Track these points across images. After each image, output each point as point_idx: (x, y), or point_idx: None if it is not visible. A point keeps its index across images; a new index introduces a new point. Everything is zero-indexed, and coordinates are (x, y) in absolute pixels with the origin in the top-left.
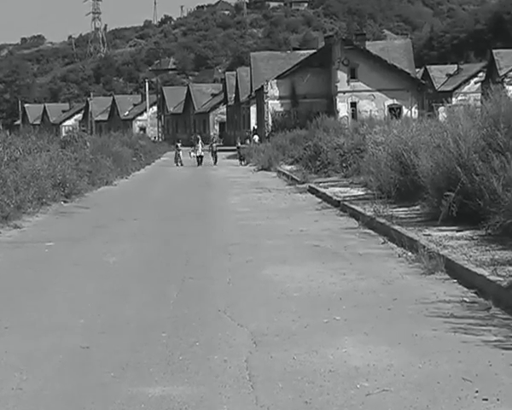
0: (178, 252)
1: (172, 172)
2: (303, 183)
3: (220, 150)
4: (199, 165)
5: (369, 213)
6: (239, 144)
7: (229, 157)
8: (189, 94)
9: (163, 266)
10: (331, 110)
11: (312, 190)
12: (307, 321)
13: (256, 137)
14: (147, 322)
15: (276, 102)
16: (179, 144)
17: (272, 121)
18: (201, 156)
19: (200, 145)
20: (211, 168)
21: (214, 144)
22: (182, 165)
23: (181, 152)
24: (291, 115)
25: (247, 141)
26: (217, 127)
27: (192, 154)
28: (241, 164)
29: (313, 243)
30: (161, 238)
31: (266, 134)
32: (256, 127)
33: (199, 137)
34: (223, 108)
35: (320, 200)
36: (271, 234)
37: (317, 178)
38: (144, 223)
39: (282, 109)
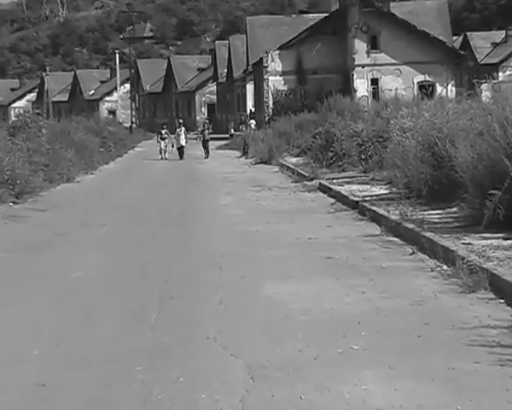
0: (157, 265)
1: (150, 165)
2: (312, 179)
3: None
4: (181, 158)
5: (394, 217)
6: (232, 131)
7: (219, 147)
8: (170, 69)
9: (137, 284)
10: (347, 89)
11: (324, 189)
12: (317, 351)
13: (253, 123)
14: (118, 353)
15: (278, 78)
16: (164, 131)
17: (274, 103)
18: (182, 147)
19: (182, 133)
20: (197, 161)
21: (206, 131)
22: (166, 159)
23: (166, 141)
24: (297, 95)
25: (243, 127)
26: (204, 110)
27: (172, 145)
28: (244, 156)
29: (324, 253)
30: (136, 248)
31: (266, 119)
32: (253, 110)
33: (181, 121)
34: (212, 87)
35: (333, 200)
36: (272, 243)
37: (330, 173)
38: (114, 229)
39: (285, 88)
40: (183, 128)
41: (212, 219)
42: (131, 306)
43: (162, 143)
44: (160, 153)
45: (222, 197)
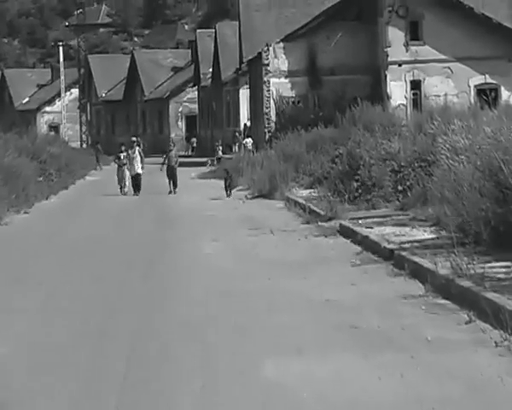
0: (114, 337)
1: (107, 200)
2: (330, 219)
3: (186, 164)
4: (136, 192)
5: (443, 271)
6: (220, 153)
7: (202, 175)
8: (134, 68)
9: (84, 369)
10: (377, 94)
11: (346, 232)
12: None
13: (249, 142)
14: None
15: (283, 80)
16: (123, 154)
17: (277, 114)
18: (138, 176)
19: (137, 155)
20: (170, 195)
21: (173, 152)
22: (125, 193)
23: (125, 168)
24: (309, 104)
25: (235, 147)
26: (182, 124)
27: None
28: (227, 194)
29: (348, 320)
30: (83, 316)
31: (267, 136)
32: (249, 124)
33: (135, 139)
34: (192, 92)
35: (359, 248)
36: (275, 306)
37: (355, 210)
38: (55, 288)
39: (293, 94)
40: (138, 148)
41: (191, 273)
42: (75, 398)
43: (121, 170)
44: (120, 184)
45: (205, 244)
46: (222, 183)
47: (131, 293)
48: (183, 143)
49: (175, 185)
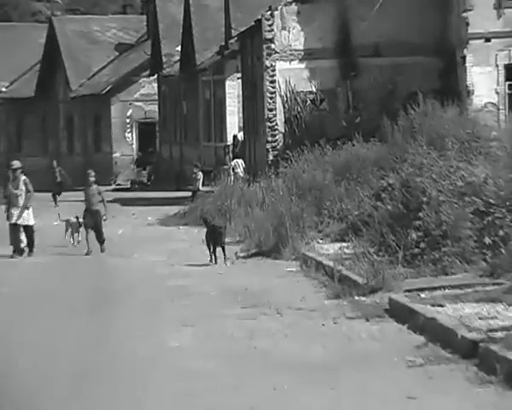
0: None
1: (10, 265)
2: (374, 291)
3: (140, 201)
4: (15, 252)
5: None
6: (199, 185)
7: (165, 221)
8: (53, 45)
9: None
10: (450, 88)
11: (400, 312)
12: None
13: (240, 164)
14: None
15: (296, 66)
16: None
17: (287, 120)
18: (27, 229)
19: (22, 188)
20: (116, 252)
21: (93, 188)
22: (76, 244)
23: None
24: (339, 103)
25: (227, 173)
26: (133, 136)
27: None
28: (213, 259)
29: None
30: None
31: (270, 155)
32: (240, 136)
33: (14, 164)
34: (149, 85)
35: (421, 338)
36: None
37: (414, 276)
38: None
39: (312, 87)
40: (25, 179)
41: (149, 382)
42: None
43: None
44: (69, 230)
45: (171, 332)
46: (199, 234)
47: None
48: (132, 170)
49: (100, 240)
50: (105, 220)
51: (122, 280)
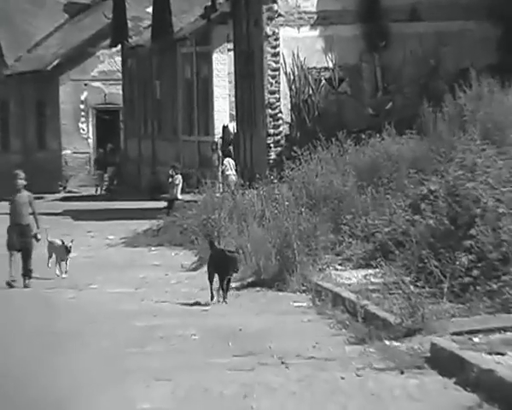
0: None
1: None
2: (410, 333)
3: (96, 215)
4: None
5: None
6: (178, 192)
7: (130, 240)
8: None
9: None
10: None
11: (446, 362)
12: None
13: (230, 165)
14: None
15: (306, 33)
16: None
17: (294, 106)
18: None
19: None
20: (57, 285)
21: (23, 195)
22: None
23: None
24: (363, 83)
25: (218, 176)
26: (88, 128)
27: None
28: (212, 298)
29: None
30: None
31: (272, 153)
32: (232, 128)
33: None
34: (109, 59)
35: (474, 396)
36: None
37: (464, 314)
38: None
39: (328, 62)
40: None
41: None
42: None
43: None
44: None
45: (140, 389)
46: (179, 253)
47: None
48: (88, 173)
49: (27, 268)
50: (38, 241)
51: (75, 320)
